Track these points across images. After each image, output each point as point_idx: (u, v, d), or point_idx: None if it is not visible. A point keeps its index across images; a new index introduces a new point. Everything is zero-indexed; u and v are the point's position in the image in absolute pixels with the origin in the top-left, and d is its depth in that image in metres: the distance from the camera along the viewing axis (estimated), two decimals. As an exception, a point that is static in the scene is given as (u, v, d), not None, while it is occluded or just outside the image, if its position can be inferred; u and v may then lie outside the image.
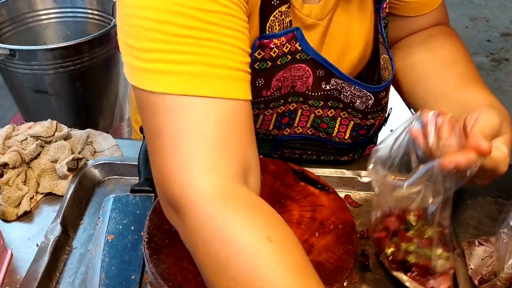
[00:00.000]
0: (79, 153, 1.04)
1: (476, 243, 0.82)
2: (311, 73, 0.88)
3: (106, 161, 1.02)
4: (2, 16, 2.09)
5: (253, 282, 0.56)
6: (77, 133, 1.09)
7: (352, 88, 0.90)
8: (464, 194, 0.98)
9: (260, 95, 0.87)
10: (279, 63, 0.84)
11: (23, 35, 2.14)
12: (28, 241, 0.91)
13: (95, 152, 1.08)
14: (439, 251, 0.74)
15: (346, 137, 0.98)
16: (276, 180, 0.88)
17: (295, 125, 0.97)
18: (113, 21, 1.98)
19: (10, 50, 1.81)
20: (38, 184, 1.00)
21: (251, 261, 0.56)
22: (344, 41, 0.93)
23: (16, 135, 1.05)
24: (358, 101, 0.92)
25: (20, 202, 0.96)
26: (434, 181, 0.70)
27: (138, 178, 0.97)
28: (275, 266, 0.56)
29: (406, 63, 0.96)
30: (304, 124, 0.97)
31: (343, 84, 0.90)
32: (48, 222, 0.90)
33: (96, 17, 2.18)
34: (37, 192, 0.99)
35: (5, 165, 0.99)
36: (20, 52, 1.83)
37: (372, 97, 0.91)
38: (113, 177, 1.02)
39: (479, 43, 3.75)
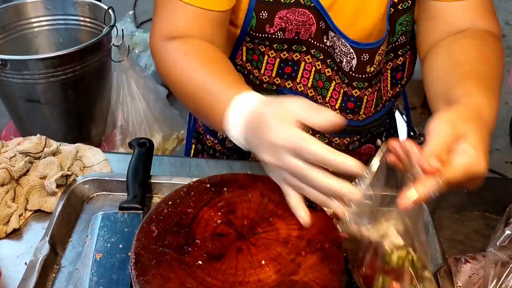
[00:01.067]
0: (68, 168, 1.04)
1: (463, 260, 0.83)
2: (314, 21, 0.97)
3: (95, 177, 1.02)
4: (-7, 24, 2.09)
5: (181, 78, 0.93)
6: (66, 148, 1.09)
7: (340, 43, 0.97)
8: (451, 208, 0.99)
9: (264, 30, 1.00)
10: (283, 2, 0.96)
11: (15, 43, 2.12)
12: (17, 259, 0.91)
13: (84, 167, 1.08)
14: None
15: (336, 107, 1.05)
16: (264, 198, 0.88)
17: (298, 80, 1.07)
18: (105, 28, 1.97)
19: (2, 60, 1.80)
20: (27, 201, 1.00)
21: (178, 66, 0.93)
22: (357, 6, 0.96)
23: (5, 152, 1.05)
24: (344, 60, 0.99)
25: (9, 219, 0.96)
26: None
27: (126, 194, 0.97)
28: (191, 66, 0.92)
29: (427, 65, 0.96)
30: (306, 82, 1.07)
31: (334, 39, 0.96)
32: (37, 239, 0.90)
33: (88, 24, 2.17)
34: (26, 209, 0.99)
35: (-6, 182, 0.99)
36: (11, 62, 1.82)
37: (355, 56, 0.97)
38: (101, 193, 1.02)
39: (472, 45, 3.75)
